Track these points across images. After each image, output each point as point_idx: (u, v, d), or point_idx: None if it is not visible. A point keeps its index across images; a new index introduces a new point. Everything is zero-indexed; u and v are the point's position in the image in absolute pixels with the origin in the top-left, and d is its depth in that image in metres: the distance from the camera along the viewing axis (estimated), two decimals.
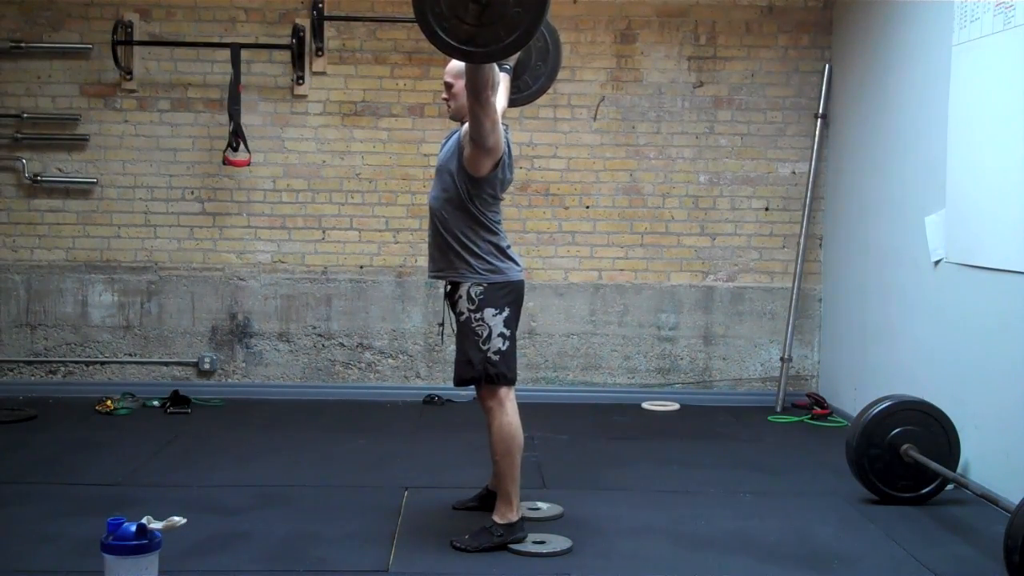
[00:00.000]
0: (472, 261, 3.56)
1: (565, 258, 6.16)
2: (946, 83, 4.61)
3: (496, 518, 3.56)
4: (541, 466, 4.63)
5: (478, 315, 3.54)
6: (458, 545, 3.52)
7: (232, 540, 3.58)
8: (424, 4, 3.11)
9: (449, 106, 3.69)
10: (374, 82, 6.06)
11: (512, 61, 3.96)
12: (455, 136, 3.65)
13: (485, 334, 3.54)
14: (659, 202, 6.17)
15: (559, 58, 4.22)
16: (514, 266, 3.64)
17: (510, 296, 3.61)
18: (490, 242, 3.58)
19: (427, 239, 3.77)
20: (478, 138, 3.41)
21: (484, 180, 3.53)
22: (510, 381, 3.61)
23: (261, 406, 5.83)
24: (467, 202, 3.55)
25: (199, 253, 6.10)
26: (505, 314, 3.57)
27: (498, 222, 3.64)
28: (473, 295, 3.55)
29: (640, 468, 4.69)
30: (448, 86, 3.65)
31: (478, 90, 3.29)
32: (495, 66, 3.45)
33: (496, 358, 3.54)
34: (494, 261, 3.58)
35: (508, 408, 3.58)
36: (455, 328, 3.64)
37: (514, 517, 3.56)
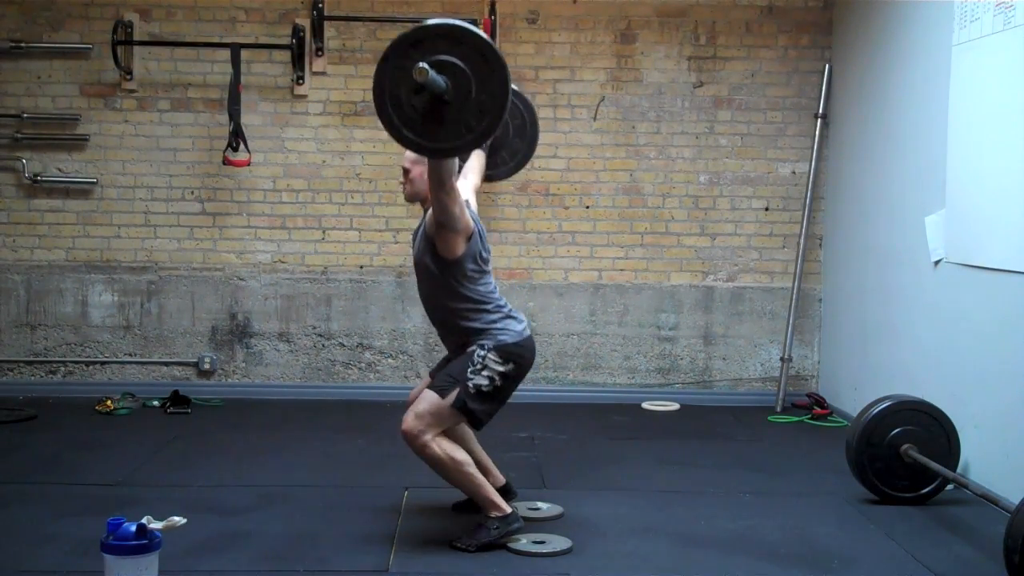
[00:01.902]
0: (480, 335, 3.59)
1: (565, 258, 6.16)
2: (946, 83, 4.61)
3: (489, 514, 3.57)
4: (541, 466, 4.63)
5: (481, 353, 3.56)
6: (459, 546, 3.52)
7: (232, 540, 3.59)
8: (384, 99, 3.13)
9: (405, 189, 3.73)
10: None
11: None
12: (423, 227, 3.65)
13: (479, 367, 3.54)
14: (659, 202, 6.17)
15: (536, 134, 4.26)
16: (521, 329, 3.67)
17: (518, 355, 3.62)
18: (488, 312, 3.62)
19: (437, 332, 3.84)
20: (448, 223, 3.45)
21: (462, 259, 3.55)
22: (474, 417, 3.56)
23: (261, 406, 5.84)
24: (456, 286, 3.58)
25: (199, 253, 6.10)
26: (507, 367, 3.58)
27: (491, 292, 3.66)
28: (487, 345, 3.58)
29: (640, 468, 4.69)
30: (405, 171, 3.69)
31: (443, 181, 3.33)
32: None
33: (473, 390, 3.52)
34: (501, 326, 3.61)
35: (433, 437, 3.49)
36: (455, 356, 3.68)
37: (507, 509, 3.58)
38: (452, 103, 3.09)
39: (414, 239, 3.76)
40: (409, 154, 3.64)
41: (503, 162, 4.24)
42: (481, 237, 3.62)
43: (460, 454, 3.55)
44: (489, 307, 3.63)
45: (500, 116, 3.14)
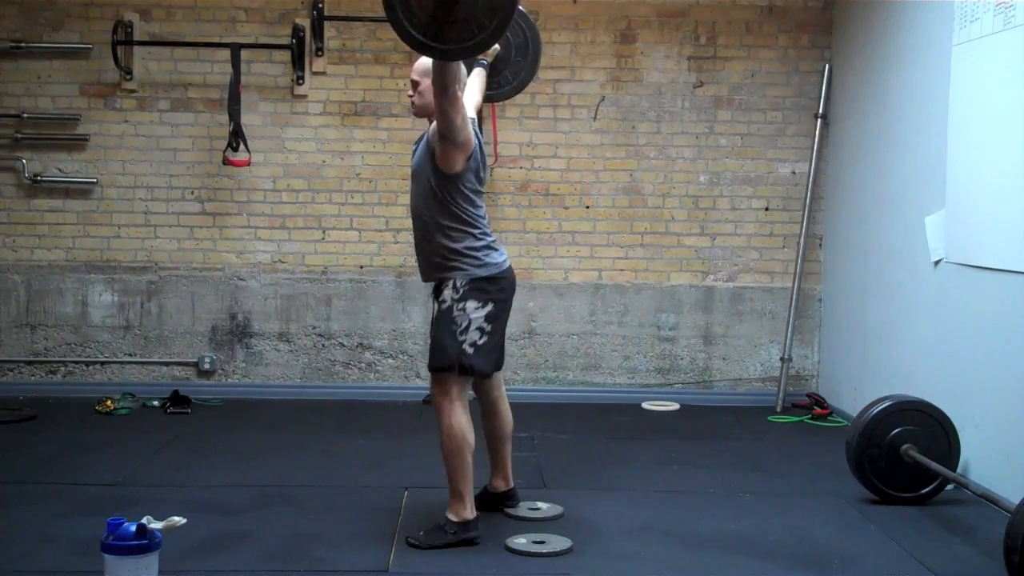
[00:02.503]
0: (457, 260, 3.55)
1: (565, 258, 6.16)
2: (946, 83, 4.61)
3: (450, 515, 3.56)
4: (541, 466, 4.63)
5: (460, 305, 3.54)
6: (413, 542, 3.52)
7: (232, 540, 3.58)
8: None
9: (414, 103, 3.66)
10: (374, 82, 6.06)
11: (489, 56, 3.96)
12: (424, 138, 3.62)
13: (464, 325, 3.53)
14: (659, 202, 6.17)
15: (539, 52, 4.19)
16: (501, 261, 3.63)
17: (495, 291, 3.59)
18: (474, 237, 3.57)
19: (414, 247, 3.76)
20: (448, 134, 3.40)
21: (459, 176, 3.51)
22: (484, 374, 3.63)
23: (261, 406, 5.83)
24: (448, 202, 3.54)
25: (199, 253, 6.10)
26: (488, 309, 3.56)
27: (481, 216, 3.62)
28: (458, 285, 3.55)
29: (640, 468, 4.69)
30: (414, 84, 3.63)
31: (446, 86, 3.28)
32: (462, 63, 3.43)
33: (471, 350, 3.53)
34: (480, 256, 3.58)
35: (458, 407, 3.56)
36: (434, 315, 3.62)
37: (468, 515, 3.56)
38: (458, 2, 3.03)
39: (414, 150, 3.70)
40: (418, 65, 3.60)
41: (506, 82, 4.16)
42: (481, 155, 3.58)
43: (470, 436, 3.56)
44: (475, 232, 3.57)
45: (510, 14, 3.08)
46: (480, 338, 3.54)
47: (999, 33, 4.19)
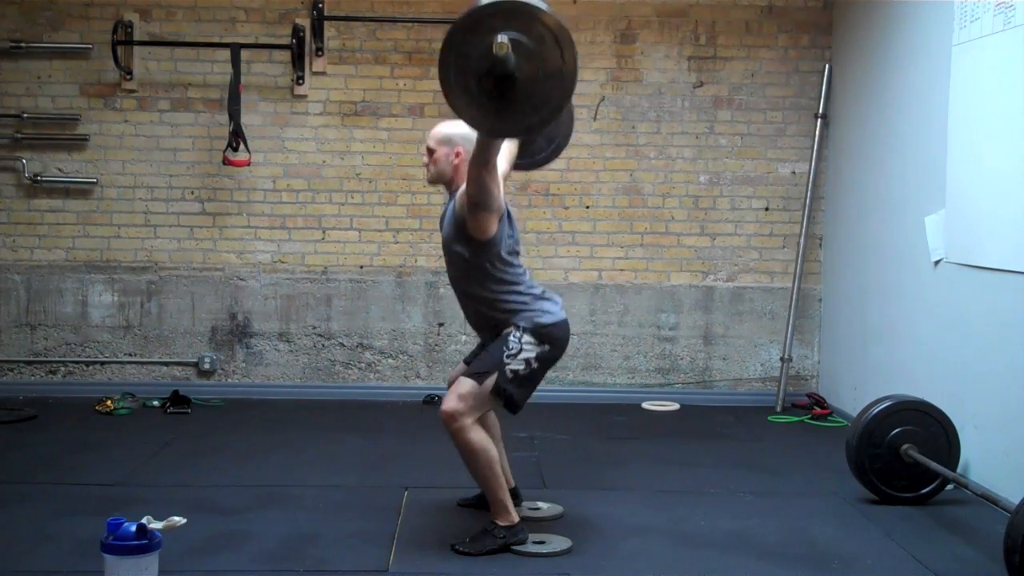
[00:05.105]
0: (515, 316, 3.54)
1: (565, 258, 6.16)
2: (946, 83, 4.61)
3: (498, 521, 3.54)
4: (541, 466, 4.63)
5: (518, 335, 3.51)
6: (461, 549, 3.49)
7: (232, 540, 3.58)
8: (449, 73, 3.06)
9: (428, 170, 3.65)
10: (374, 82, 6.06)
11: None
12: (450, 209, 3.59)
13: (515, 351, 3.49)
14: (659, 202, 6.17)
15: (572, 116, 4.13)
16: (557, 311, 3.61)
17: (555, 334, 3.56)
18: (522, 293, 3.56)
19: (463, 313, 3.75)
20: (483, 202, 3.36)
21: (495, 240, 3.49)
22: (511, 404, 3.53)
23: (261, 406, 5.83)
24: (489, 269, 3.51)
25: (199, 253, 6.10)
26: (542, 348, 3.53)
27: (522, 274, 3.60)
28: (521, 326, 3.53)
29: (640, 468, 4.69)
30: (430, 151, 3.61)
31: (488, 159, 3.27)
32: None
33: (510, 375, 3.49)
34: (537, 307, 3.56)
35: (471, 423, 3.46)
36: (490, 342, 3.61)
37: (515, 518, 3.55)
38: (521, 81, 3.02)
39: (441, 223, 3.69)
40: (435, 132, 3.60)
41: (540, 149, 4.06)
42: (510, 217, 3.57)
43: (493, 450, 3.51)
44: (522, 288, 3.56)
45: (567, 96, 3.06)
46: (524, 369, 3.50)
47: (999, 33, 4.19)
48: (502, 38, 2.92)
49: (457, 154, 3.56)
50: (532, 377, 3.55)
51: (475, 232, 3.45)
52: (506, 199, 3.56)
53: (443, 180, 3.62)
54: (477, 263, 3.51)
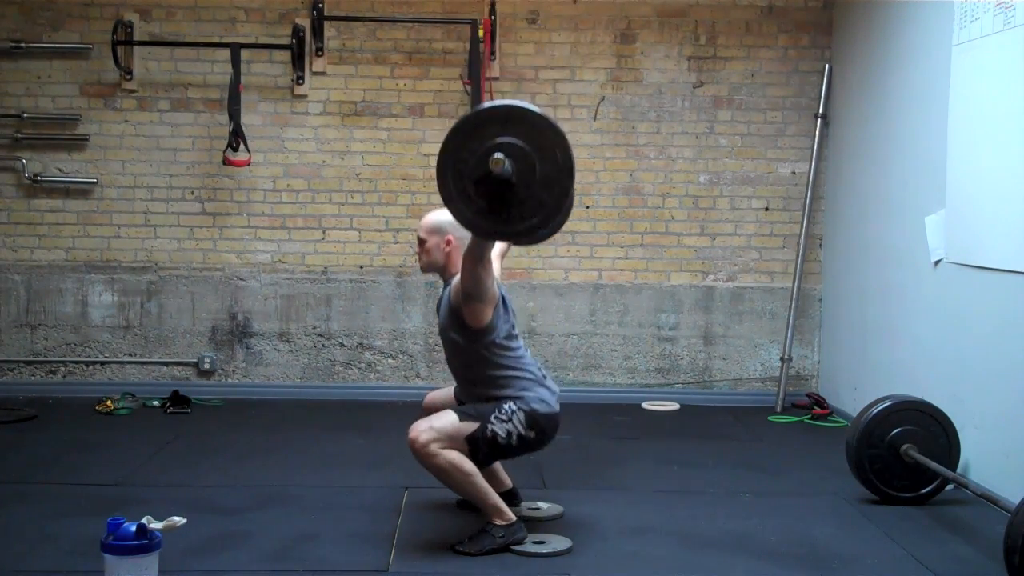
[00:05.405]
0: (514, 393, 3.54)
1: (565, 258, 6.16)
2: (946, 83, 4.61)
3: (495, 520, 3.54)
4: (541, 466, 4.63)
5: (514, 407, 3.51)
6: (461, 550, 3.49)
7: (232, 540, 3.58)
8: (447, 178, 3.12)
9: (421, 260, 3.70)
10: (374, 82, 6.06)
11: None
12: (445, 297, 3.62)
13: (506, 418, 3.49)
14: (659, 202, 6.17)
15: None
16: (552, 401, 3.61)
17: (544, 425, 3.56)
18: (521, 378, 3.57)
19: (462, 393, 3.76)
20: (477, 294, 3.42)
21: (491, 327, 3.52)
22: (479, 459, 3.50)
23: (261, 406, 5.84)
24: (488, 355, 3.54)
25: (199, 253, 6.10)
26: (528, 433, 3.52)
27: (523, 357, 3.62)
28: (520, 404, 3.53)
29: (640, 468, 4.69)
30: (421, 241, 3.66)
31: (483, 255, 3.32)
32: None
33: (490, 435, 3.47)
34: (534, 391, 3.57)
35: (441, 451, 3.43)
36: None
37: (512, 517, 3.56)
38: (517, 185, 3.08)
39: (438, 309, 3.74)
40: (425, 223, 3.65)
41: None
42: (505, 302, 3.60)
43: (467, 465, 3.48)
44: (522, 373, 3.58)
45: (565, 194, 3.12)
46: (504, 439, 3.48)
47: (999, 33, 4.19)
48: (498, 155, 3.01)
49: (448, 242, 3.61)
50: (507, 449, 3.53)
51: (470, 321, 3.50)
52: (502, 284, 3.62)
53: (436, 268, 3.67)
54: (474, 350, 3.55)
